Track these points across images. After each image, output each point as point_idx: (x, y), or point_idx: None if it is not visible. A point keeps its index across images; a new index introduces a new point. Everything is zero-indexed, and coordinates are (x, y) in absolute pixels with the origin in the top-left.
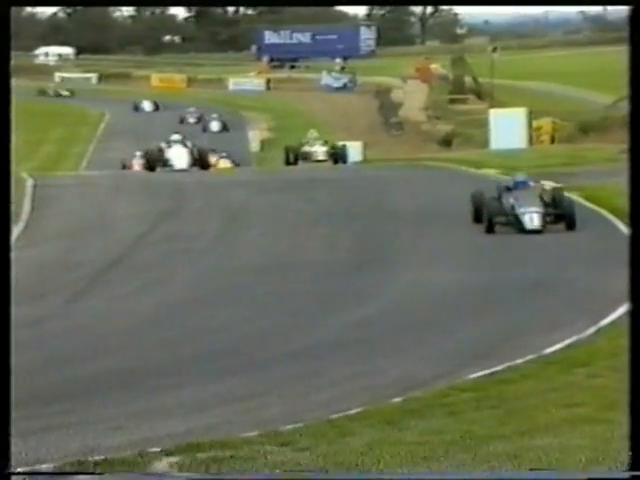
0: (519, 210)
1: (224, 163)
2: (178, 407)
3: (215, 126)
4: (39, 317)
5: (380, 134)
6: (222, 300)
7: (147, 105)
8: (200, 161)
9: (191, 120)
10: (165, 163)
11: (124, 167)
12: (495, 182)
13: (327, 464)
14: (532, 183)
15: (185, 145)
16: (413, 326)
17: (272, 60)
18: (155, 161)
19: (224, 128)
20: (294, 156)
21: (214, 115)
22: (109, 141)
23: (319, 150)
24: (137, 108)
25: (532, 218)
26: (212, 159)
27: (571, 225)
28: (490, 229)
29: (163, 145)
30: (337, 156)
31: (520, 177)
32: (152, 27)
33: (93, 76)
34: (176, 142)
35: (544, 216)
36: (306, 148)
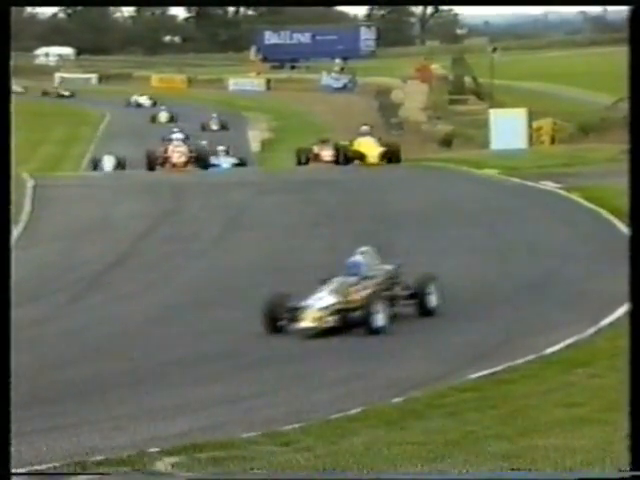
0: None
1: None
2: (178, 406)
3: None
4: (36, 319)
5: (380, 134)
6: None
7: (108, 162)
8: None
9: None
10: None
11: None
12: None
13: (327, 464)
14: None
15: None
16: None
17: (265, 59)
18: None
19: None
20: None
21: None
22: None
23: None
24: (96, 167)
25: None
26: None
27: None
28: None
29: None
30: None
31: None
32: (152, 28)
33: (93, 77)
34: None
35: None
36: None
